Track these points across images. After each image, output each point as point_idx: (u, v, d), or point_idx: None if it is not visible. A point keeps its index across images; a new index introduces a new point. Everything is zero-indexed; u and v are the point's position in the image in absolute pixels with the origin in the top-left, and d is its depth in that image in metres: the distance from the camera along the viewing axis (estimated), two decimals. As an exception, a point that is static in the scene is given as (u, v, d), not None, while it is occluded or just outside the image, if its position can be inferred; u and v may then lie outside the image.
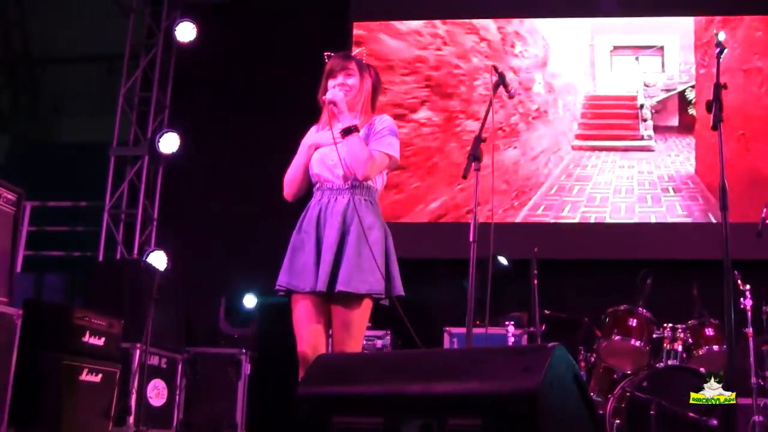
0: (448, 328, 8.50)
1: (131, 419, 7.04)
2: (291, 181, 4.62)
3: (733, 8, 10.19)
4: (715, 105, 4.48)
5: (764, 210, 7.07)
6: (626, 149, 10.27)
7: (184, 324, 8.31)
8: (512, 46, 10.68)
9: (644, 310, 7.23)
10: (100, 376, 6.49)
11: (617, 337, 7.17)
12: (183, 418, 8.13)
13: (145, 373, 7.28)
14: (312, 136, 4.67)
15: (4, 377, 5.47)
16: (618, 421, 6.74)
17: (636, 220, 9.65)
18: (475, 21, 10.50)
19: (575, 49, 10.77)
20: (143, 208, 10.28)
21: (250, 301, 9.32)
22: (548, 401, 2.76)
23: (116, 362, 6.77)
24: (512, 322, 7.90)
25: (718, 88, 4.54)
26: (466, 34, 10.52)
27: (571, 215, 9.73)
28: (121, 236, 10.15)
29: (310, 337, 4.38)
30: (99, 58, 11.47)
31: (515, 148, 10.34)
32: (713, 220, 9.42)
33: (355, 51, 4.87)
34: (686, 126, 10.19)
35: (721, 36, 4.79)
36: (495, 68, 4.95)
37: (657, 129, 10.26)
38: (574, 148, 10.36)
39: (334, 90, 4.50)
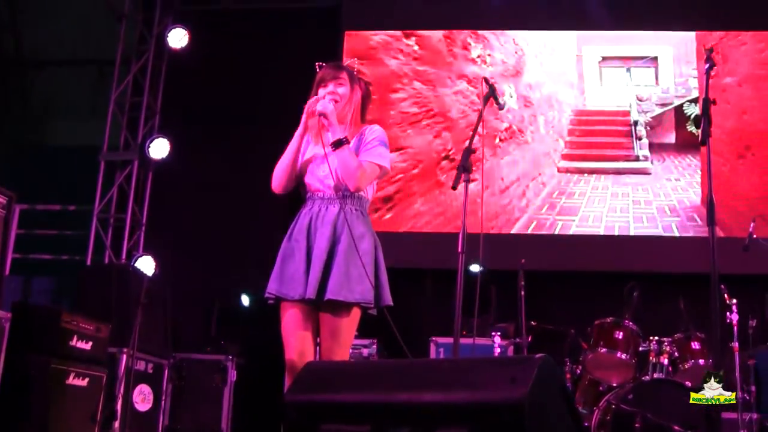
0: (434, 338, 8.51)
1: (117, 424, 7.02)
2: (279, 174, 4.61)
3: (734, 24, 9.93)
4: (703, 120, 4.50)
5: (751, 224, 7.11)
6: (619, 171, 9.71)
7: (170, 329, 8.30)
8: (465, 47, 10.14)
9: (631, 323, 7.25)
10: (86, 380, 6.48)
11: (603, 350, 7.18)
12: (168, 423, 8.13)
13: (132, 378, 7.28)
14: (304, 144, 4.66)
15: (-8, 379, 5.49)
16: (603, 433, 6.76)
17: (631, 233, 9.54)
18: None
19: (559, 59, 10.19)
20: (132, 212, 10.28)
21: (244, 300, 9.37)
22: (535, 412, 2.77)
23: (103, 367, 6.77)
24: (499, 333, 7.91)
25: (707, 102, 4.56)
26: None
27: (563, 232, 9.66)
28: (109, 241, 10.15)
29: (298, 344, 4.38)
30: (90, 63, 11.46)
31: (474, 180, 9.61)
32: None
33: (347, 61, 4.88)
34: (684, 143, 9.71)
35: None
36: (485, 80, 4.97)
37: (652, 147, 9.79)
38: (560, 170, 9.80)
39: (325, 101, 4.50)
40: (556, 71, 10.20)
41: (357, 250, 4.32)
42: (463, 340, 4.65)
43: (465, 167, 4.59)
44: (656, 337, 7.14)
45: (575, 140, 9.99)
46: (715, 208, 4.41)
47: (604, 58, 10.27)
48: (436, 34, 10.29)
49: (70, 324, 6.40)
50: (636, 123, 9.91)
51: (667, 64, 10.06)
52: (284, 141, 4.81)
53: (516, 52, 10.29)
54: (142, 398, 7.60)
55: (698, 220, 9.37)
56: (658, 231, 9.45)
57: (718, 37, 9.90)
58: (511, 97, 9.81)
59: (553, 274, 9.11)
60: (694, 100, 9.84)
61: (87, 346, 6.56)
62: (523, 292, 7.57)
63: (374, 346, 8.52)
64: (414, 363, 3.65)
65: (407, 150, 9.93)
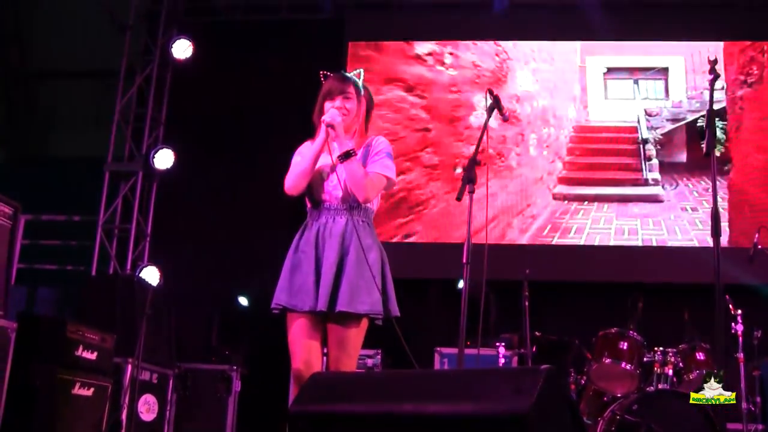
0: (438, 348, 8.50)
1: (122, 434, 7.05)
2: (298, 176, 4.54)
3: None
4: (708, 132, 4.50)
5: (756, 236, 7.10)
6: (626, 199, 8.94)
7: (175, 339, 8.31)
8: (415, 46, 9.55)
9: (635, 334, 7.23)
10: (92, 390, 6.48)
11: (608, 360, 7.16)
12: (173, 433, 8.14)
13: (137, 388, 7.29)
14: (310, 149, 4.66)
15: (-2, 390, 5.50)
16: (608, 444, 6.75)
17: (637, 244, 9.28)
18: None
19: (558, 69, 9.56)
20: (137, 223, 10.29)
21: (242, 301, 9.39)
22: (540, 423, 2.77)
23: (108, 377, 6.77)
24: (503, 344, 7.90)
25: (712, 114, 4.57)
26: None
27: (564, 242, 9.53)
28: (114, 251, 10.16)
29: (305, 354, 4.40)
30: (95, 74, 11.49)
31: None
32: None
33: (352, 72, 4.88)
34: (697, 163, 9.00)
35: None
36: (490, 91, 4.96)
37: (662, 167, 9.12)
38: (556, 196, 9.00)
39: (333, 112, 4.52)
40: (554, 82, 9.55)
41: (366, 261, 4.34)
42: (467, 351, 4.64)
43: (470, 179, 4.59)
44: (661, 348, 7.11)
45: (575, 160, 9.26)
46: (720, 220, 4.41)
47: (610, 70, 9.67)
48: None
49: (75, 334, 6.41)
50: (645, 141, 9.18)
51: (678, 76, 9.45)
52: (288, 151, 4.83)
53: (497, 56, 9.55)
54: (147, 408, 7.60)
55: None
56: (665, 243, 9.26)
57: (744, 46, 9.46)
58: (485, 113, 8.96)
59: (558, 285, 9.11)
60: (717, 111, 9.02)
61: (92, 356, 6.56)
62: (527, 303, 7.57)
63: (378, 357, 8.52)
64: (419, 374, 3.66)
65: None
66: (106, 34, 10.89)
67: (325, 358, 4.52)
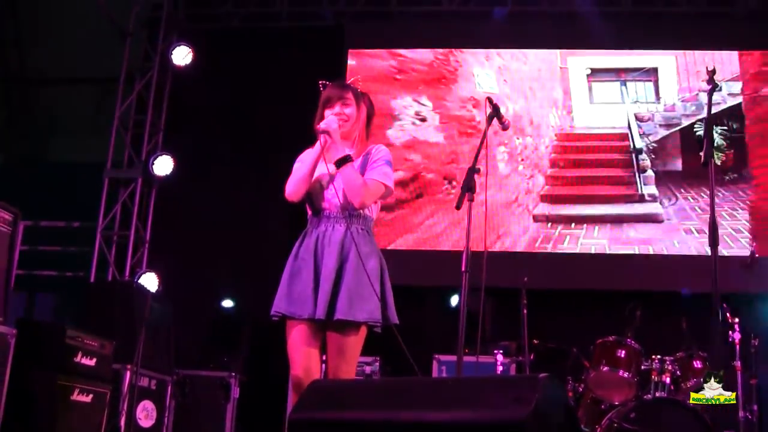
0: (437, 356, 8.51)
1: (120, 440, 7.06)
2: (297, 183, 4.59)
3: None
4: (706, 140, 4.52)
5: (753, 244, 7.11)
6: (620, 219, 8.18)
7: (174, 346, 8.32)
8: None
9: (633, 342, 7.23)
10: (91, 396, 6.50)
11: (605, 368, 7.17)
12: (171, 440, 8.15)
13: (135, 395, 7.30)
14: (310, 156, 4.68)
15: (-3, 396, 5.52)
16: (605, 452, 6.76)
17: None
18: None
19: (534, 70, 8.76)
20: (136, 229, 10.29)
21: (226, 303, 9.40)
22: (538, 431, 2.79)
23: (107, 383, 6.79)
24: (501, 351, 7.92)
25: (711, 123, 4.58)
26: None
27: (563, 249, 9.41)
28: (113, 257, 10.16)
29: (304, 361, 4.41)
30: (94, 80, 11.51)
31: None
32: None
33: (351, 79, 4.91)
34: (694, 171, 8.27)
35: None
36: (489, 100, 4.97)
37: (658, 178, 8.41)
38: (537, 218, 8.20)
39: (329, 119, 4.56)
40: (529, 84, 8.80)
41: (365, 269, 4.36)
42: (466, 358, 4.65)
43: (468, 187, 4.60)
44: (658, 356, 7.12)
45: (559, 173, 8.43)
46: (717, 229, 4.42)
47: (594, 71, 8.92)
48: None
49: (74, 340, 6.43)
50: (639, 151, 8.44)
51: (669, 77, 8.78)
52: (287, 158, 4.85)
53: (449, 53, 8.58)
54: (146, 414, 7.61)
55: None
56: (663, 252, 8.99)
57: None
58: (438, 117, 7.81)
59: (556, 293, 9.10)
60: (714, 119, 8.14)
61: (91, 362, 6.58)
62: (525, 311, 7.57)
63: (377, 364, 8.52)
64: (418, 381, 3.68)
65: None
66: (106, 40, 10.90)
67: (324, 365, 4.54)
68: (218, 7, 10.88)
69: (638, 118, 8.65)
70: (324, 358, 4.50)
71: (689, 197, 8.25)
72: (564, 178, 8.34)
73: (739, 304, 6.78)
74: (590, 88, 8.86)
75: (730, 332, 6.63)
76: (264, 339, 7.19)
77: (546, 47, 9.75)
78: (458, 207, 4.60)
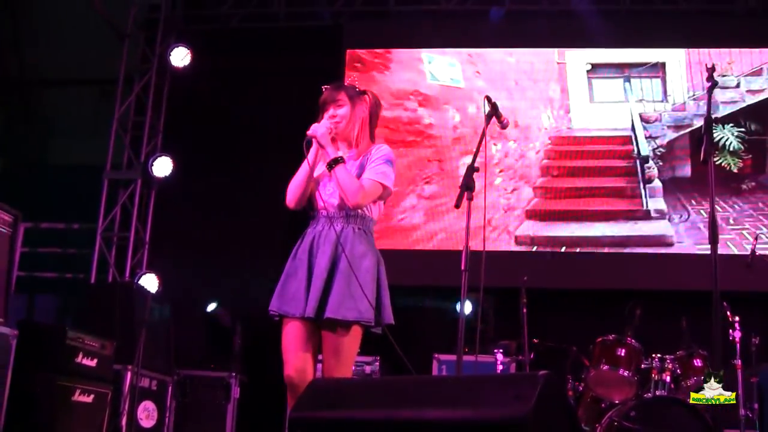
0: (437, 355, 8.50)
1: (121, 440, 7.07)
2: (293, 189, 4.64)
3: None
4: (705, 138, 4.51)
5: (753, 242, 7.10)
6: (622, 242, 7.42)
7: (174, 346, 8.33)
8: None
9: (633, 341, 7.22)
10: (92, 396, 6.52)
11: (605, 367, 7.16)
12: (172, 440, 8.15)
13: (136, 395, 7.31)
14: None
15: (-1, 397, 5.53)
16: (605, 450, 6.75)
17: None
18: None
19: (526, 65, 7.98)
20: (135, 231, 10.29)
21: (210, 306, 9.40)
22: (538, 429, 2.79)
23: (108, 383, 6.81)
24: (501, 350, 7.91)
25: (710, 121, 4.57)
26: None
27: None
28: (113, 259, 10.16)
29: (297, 361, 4.43)
30: (93, 82, 11.53)
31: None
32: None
33: (348, 80, 4.91)
34: (703, 178, 6.98)
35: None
36: (488, 99, 4.97)
37: (665, 187, 7.57)
38: (520, 240, 7.26)
39: (315, 125, 4.59)
40: (516, 80, 7.92)
41: (357, 269, 4.37)
42: (465, 357, 4.65)
43: (468, 186, 4.59)
44: (658, 355, 7.10)
45: (551, 184, 7.46)
46: (717, 227, 4.42)
47: (594, 66, 8.10)
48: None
49: (75, 341, 6.45)
50: (645, 159, 7.51)
51: (678, 72, 7.91)
52: (287, 160, 4.86)
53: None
54: (147, 415, 7.62)
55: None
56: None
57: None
58: (428, 117, 6.79)
59: (555, 292, 9.09)
60: (726, 120, 7.61)
61: (92, 363, 6.60)
62: (525, 310, 7.57)
63: (377, 364, 8.52)
64: (418, 380, 3.67)
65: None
66: (104, 42, 10.90)
67: (320, 365, 4.54)
68: (216, 8, 10.87)
69: (643, 119, 7.86)
70: (320, 358, 4.51)
71: (701, 210, 7.45)
72: (556, 189, 7.45)
73: (739, 302, 6.76)
74: (590, 86, 8.08)
75: (731, 331, 6.63)
76: (264, 339, 7.20)
77: (545, 46, 9.35)
78: (457, 206, 4.59)
